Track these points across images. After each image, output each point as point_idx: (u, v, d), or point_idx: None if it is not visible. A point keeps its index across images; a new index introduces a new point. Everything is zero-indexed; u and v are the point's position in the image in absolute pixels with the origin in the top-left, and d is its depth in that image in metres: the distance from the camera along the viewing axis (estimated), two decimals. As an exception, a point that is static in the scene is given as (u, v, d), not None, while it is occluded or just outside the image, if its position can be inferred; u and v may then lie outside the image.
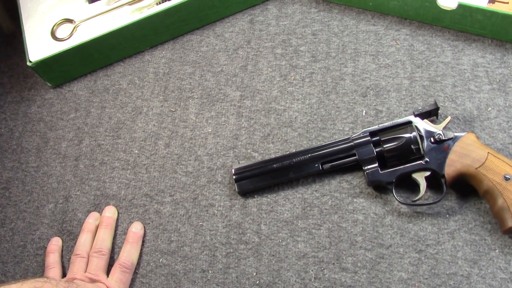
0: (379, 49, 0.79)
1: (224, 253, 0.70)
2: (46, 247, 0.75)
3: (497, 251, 0.64)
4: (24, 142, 0.86)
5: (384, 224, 0.67)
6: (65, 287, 0.62)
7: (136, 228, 0.74)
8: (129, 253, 0.72)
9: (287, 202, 0.71)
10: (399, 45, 0.79)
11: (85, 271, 0.70)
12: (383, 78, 0.77)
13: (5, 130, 0.88)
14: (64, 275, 0.73)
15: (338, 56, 0.80)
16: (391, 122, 0.69)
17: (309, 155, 0.70)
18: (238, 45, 0.85)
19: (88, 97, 0.87)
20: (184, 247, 0.72)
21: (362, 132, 0.69)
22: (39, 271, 0.75)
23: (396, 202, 0.68)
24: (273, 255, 0.68)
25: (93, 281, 0.68)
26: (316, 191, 0.71)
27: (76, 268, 0.70)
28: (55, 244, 0.75)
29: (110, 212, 0.76)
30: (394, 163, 0.66)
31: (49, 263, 0.73)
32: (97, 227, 0.75)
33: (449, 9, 0.74)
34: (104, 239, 0.73)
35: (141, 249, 0.73)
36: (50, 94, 0.89)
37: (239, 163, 0.73)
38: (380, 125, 0.69)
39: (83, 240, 0.73)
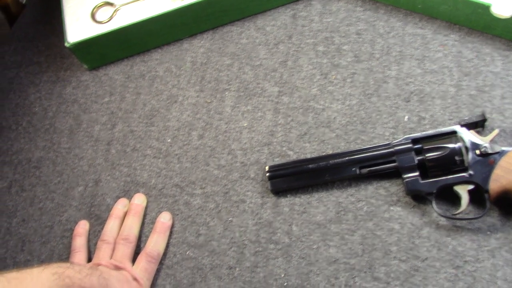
0: (426, 54, 0.76)
1: (252, 251, 0.69)
2: (73, 230, 0.75)
3: (538, 273, 0.61)
4: (57, 122, 0.85)
5: (421, 235, 0.65)
6: (88, 274, 0.61)
7: (165, 218, 0.73)
8: (156, 243, 0.71)
9: (321, 204, 0.69)
10: (447, 51, 0.76)
11: (111, 258, 0.69)
12: (428, 84, 0.74)
13: (39, 109, 0.87)
14: (90, 259, 0.72)
15: (382, 58, 0.78)
16: (434, 130, 0.66)
17: (346, 158, 0.68)
18: (279, 40, 0.83)
19: (123, 82, 0.86)
20: (212, 241, 0.71)
21: (404, 139, 0.67)
22: (65, 253, 0.75)
23: (435, 214, 0.65)
24: (303, 258, 0.67)
25: (118, 268, 0.67)
26: (351, 195, 0.69)
27: (102, 254, 0.70)
28: (83, 227, 0.75)
29: (139, 200, 0.75)
30: (436, 174, 0.64)
31: (75, 246, 0.73)
32: (125, 214, 0.74)
33: (502, 18, 0.71)
34: (132, 227, 0.72)
35: (168, 240, 0.72)
36: (86, 76, 0.88)
37: (273, 161, 0.72)
38: (423, 133, 0.67)
39: (111, 226, 0.73)
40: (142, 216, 0.74)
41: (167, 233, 0.72)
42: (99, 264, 0.68)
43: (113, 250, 0.70)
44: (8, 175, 0.83)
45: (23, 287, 0.53)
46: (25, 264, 0.75)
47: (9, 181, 0.82)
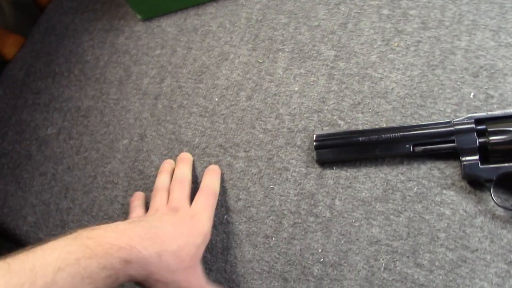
0: (502, 25, 0.69)
1: (291, 222, 0.66)
2: (115, 182, 0.75)
3: None
4: (107, 72, 0.85)
5: (473, 224, 0.60)
6: (122, 230, 0.55)
7: (214, 166, 0.71)
8: (210, 181, 0.69)
9: (368, 180, 0.65)
10: (527, 23, 0.68)
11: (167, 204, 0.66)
12: (501, 59, 0.67)
13: (92, 57, 0.87)
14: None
15: (452, 27, 0.71)
16: (502, 111, 0.60)
17: (401, 133, 0.63)
18: None
19: (175, 35, 0.84)
20: (251, 208, 0.69)
21: (466, 118, 0.61)
22: (105, 204, 0.75)
23: (492, 203, 0.60)
24: (343, 235, 0.64)
25: (175, 210, 0.64)
26: (402, 174, 0.64)
27: (158, 200, 0.66)
28: (139, 195, 0.73)
29: (185, 157, 0.73)
30: (498, 159, 0.58)
31: (132, 206, 0.70)
32: (173, 170, 0.72)
33: None
34: (184, 172, 0.70)
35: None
36: (138, 27, 0.87)
37: (322, 129, 0.68)
38: (489, 113, 0.60)
39: (163, 178, 0.70)
40: (191, 165, 0.72)
41: (219, 175, 0.70)
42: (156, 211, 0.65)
43: (168, 196, 0.67)
44: (58, 121, 0.84)
45: (25, 268, 0.47)
46: (67, 211, 0.76)
47: (58, 128, 0.83)
